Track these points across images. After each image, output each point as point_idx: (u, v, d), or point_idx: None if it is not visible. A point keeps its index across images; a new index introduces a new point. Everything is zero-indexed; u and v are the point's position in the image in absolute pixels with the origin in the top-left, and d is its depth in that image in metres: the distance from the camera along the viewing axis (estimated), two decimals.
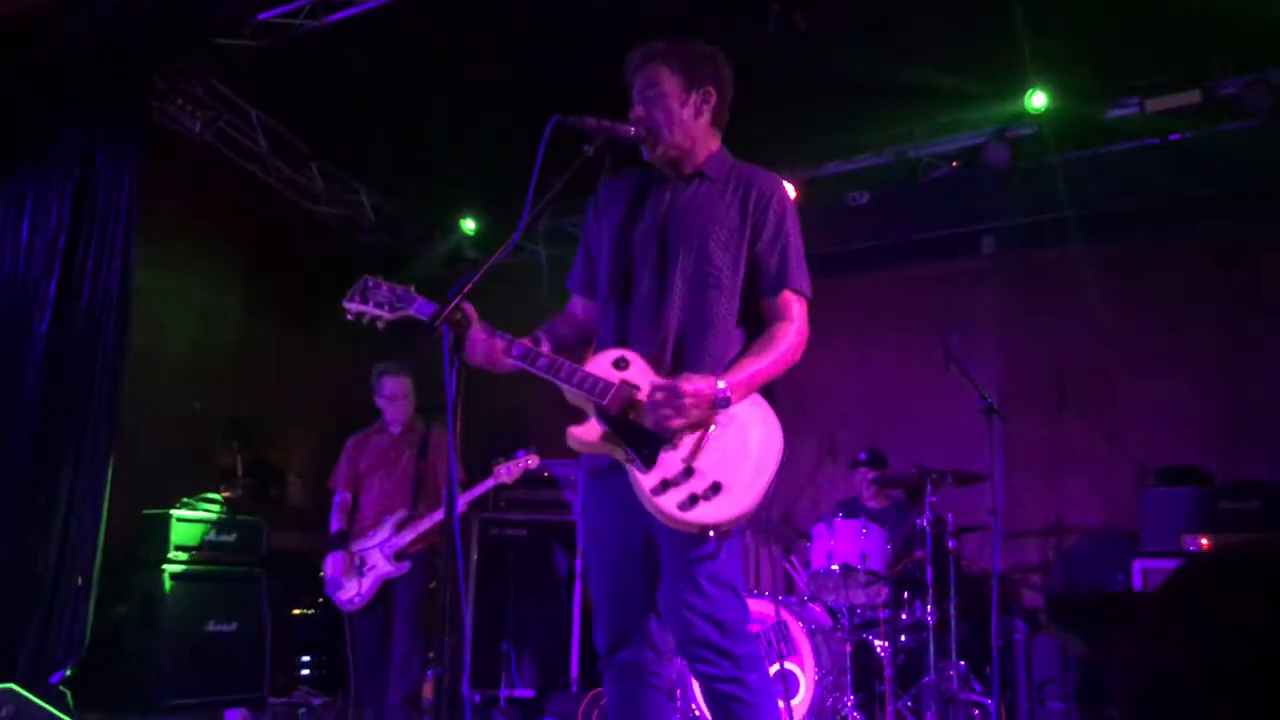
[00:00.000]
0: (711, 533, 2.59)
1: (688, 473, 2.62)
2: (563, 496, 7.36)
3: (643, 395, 2.68)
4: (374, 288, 2.88)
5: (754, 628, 5.51)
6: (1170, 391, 6.44)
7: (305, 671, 7.03)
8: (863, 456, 6.58)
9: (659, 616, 2.80)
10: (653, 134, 2.85)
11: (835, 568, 5.71)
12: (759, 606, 5.70)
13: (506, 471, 5.46)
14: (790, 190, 2.99)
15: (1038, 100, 6.26)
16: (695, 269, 2.79)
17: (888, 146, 6.97)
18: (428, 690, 5.49)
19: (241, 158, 7.55)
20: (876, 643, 5.68)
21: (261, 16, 6.20)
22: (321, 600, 7.21)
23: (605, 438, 2.71)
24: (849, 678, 5.55)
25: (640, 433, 2.67)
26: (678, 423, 2.61)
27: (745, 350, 2.77)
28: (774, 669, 5.54)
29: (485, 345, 2.76)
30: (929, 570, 5.55)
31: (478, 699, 6.79)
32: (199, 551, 6.46)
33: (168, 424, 6.91)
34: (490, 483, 5.50)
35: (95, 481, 6.06)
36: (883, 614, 5.75)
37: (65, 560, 5.94)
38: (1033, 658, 5.84)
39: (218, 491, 6.91)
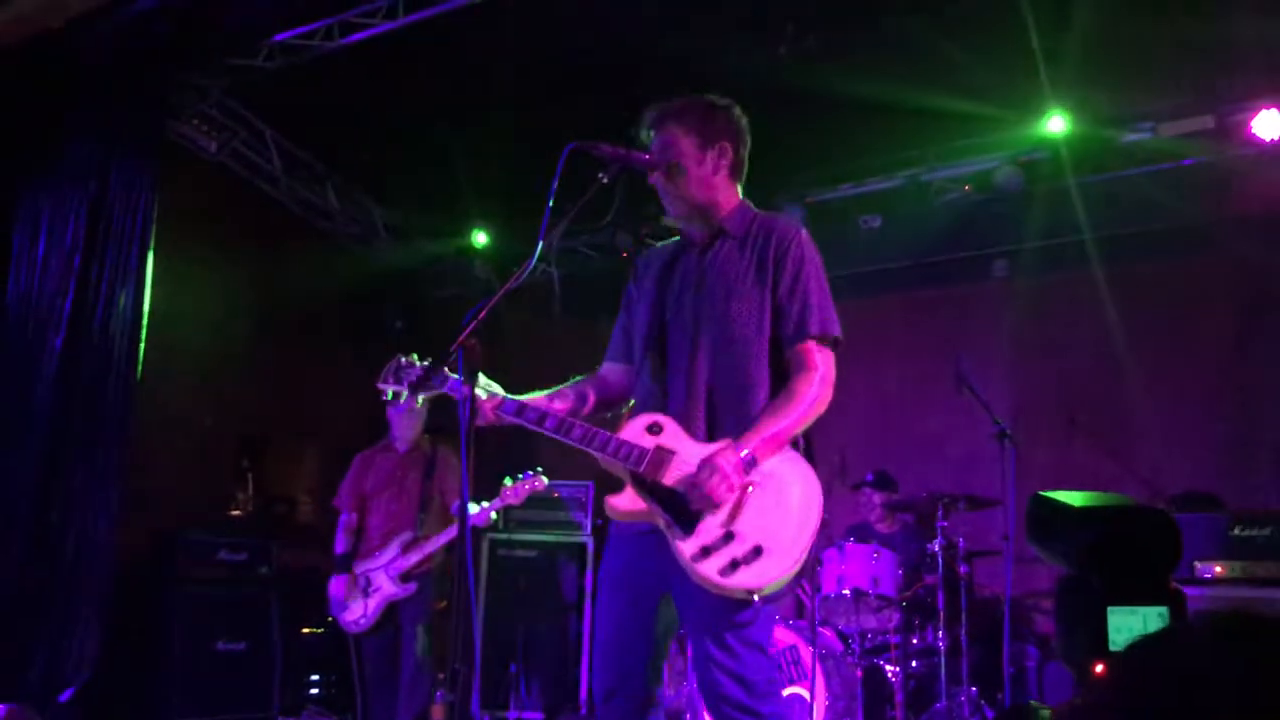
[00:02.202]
0: (756, 597, 2.55)
1: (728, 537, 2.58)
2: (572, 517, 7.35)
3: (678, 459, 2.67)
4: (406, 367, 2.97)
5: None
6: (1182, 416, 6.42)
7: (314, 691, 7.02)
8: (869, 478, 6.57)
9: (657, 669, 2.80)
10: (672, 178, 2.88)
11: (846, 592, 5.69)
12: None
13: (514, 493, 5.44)
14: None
15: (1055, 125, 6.27)
16: (721, 331, 2.79)
17: (900, 170, 6.98)
18: (436, 712, 5.47)
19: (256, 177, 7.60)
20: (888, 668, 5.66)
21: (278, 38, 6.24)
22: (331, 619, 7.21)
23: (645, 506, 2.69)
24: (860, 703, 5.53)
25: (678, 499, 2.64)
26: (729, 496, 2.59)
27: (768, 405, 2.73)
28: (785, 693, 5.53)
29: (502, 410, 2.88)
30: (940, 595, 5.53)
31: None
32: (209, 570, 6.46)
33: (179, 442, 6.93)
34: (497, 504, 5.48)
35: (106, 499, 6.07)
36: (894, 639, 5.73)
37: (76, 578, 5.95)
38: (1045, 684, 5.81)
39: (228, 510, 6.92)
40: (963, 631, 5.50)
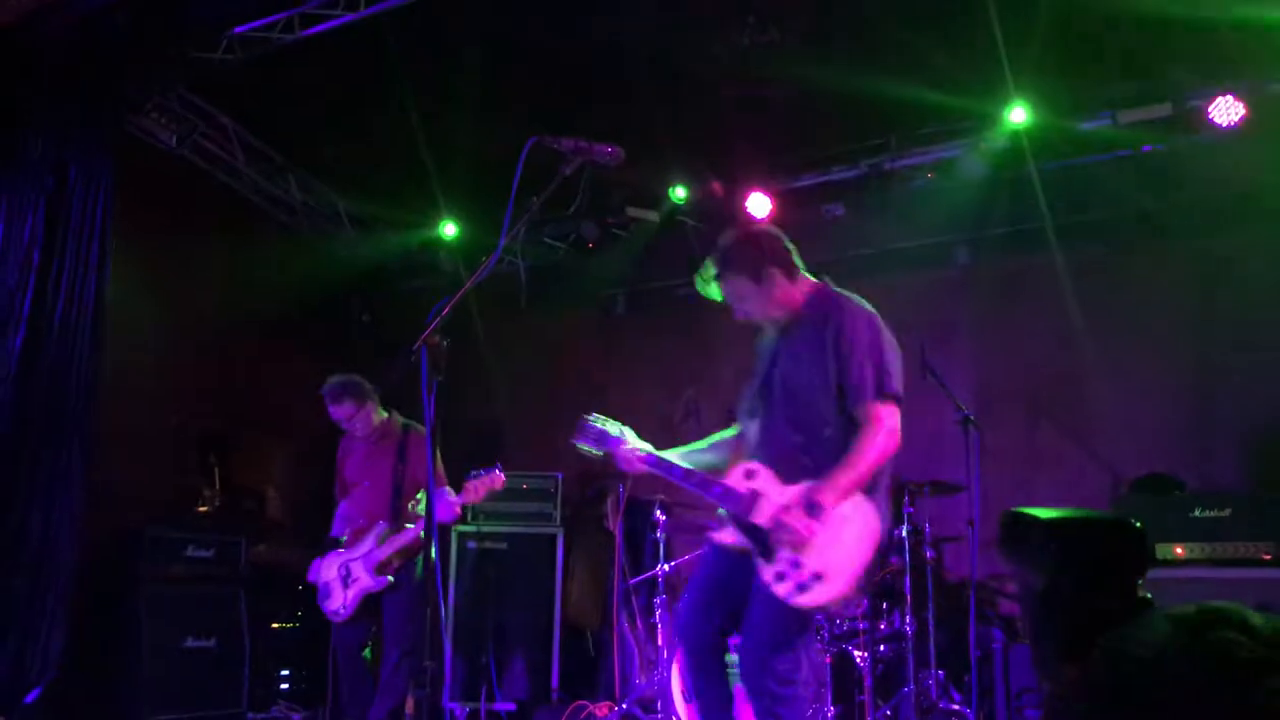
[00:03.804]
0: (818, 613, 3.37)
1: (796, 566, 3.31)
2: (541, 509, 7.35)
3: (765, 500, 3.42)
4: (590, 426, 3.88)
5: (734, 640, 5.60)
6: (1143, 399, 6.50)
7: (284, 686, 6.99)
8: None
9: (734, 623, 3.54)
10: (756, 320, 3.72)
11: None
12: None
13: (473, 489, 5.42)
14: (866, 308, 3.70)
15: (1017, 115, 6.31)
16: (795, 396, 3.53)
17: (863, 158, 7.01)
18: (410, 705, 5.47)
19: (217, 170, 7.53)
20: (856, 653, 5.70)
21: (238, 30, 6.18)
22: (301, 614, 7.18)
23: (738, 539, 3.49)
24: (829, 689, 5.57)
25: (761, 533, 3.40)
26: (791, 538, 3.29)
27: (843, 457, 3.36)
28: None
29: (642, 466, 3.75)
30: (907, 580, 5.58)
31: (459, 712, 6.78)
32: (176, 566, 6.43)
33: (144, 438, 6.86)
34: (460, 499, 5.47)
35: (71, 497, 6.01)
36: (862, 625, 5.78)
37: (40, 577, 5.89)
38: (1010, 666, 5.88)
39: (195, 505, 6.87)
40: (929, 616, 5.56)
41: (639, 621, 6.79)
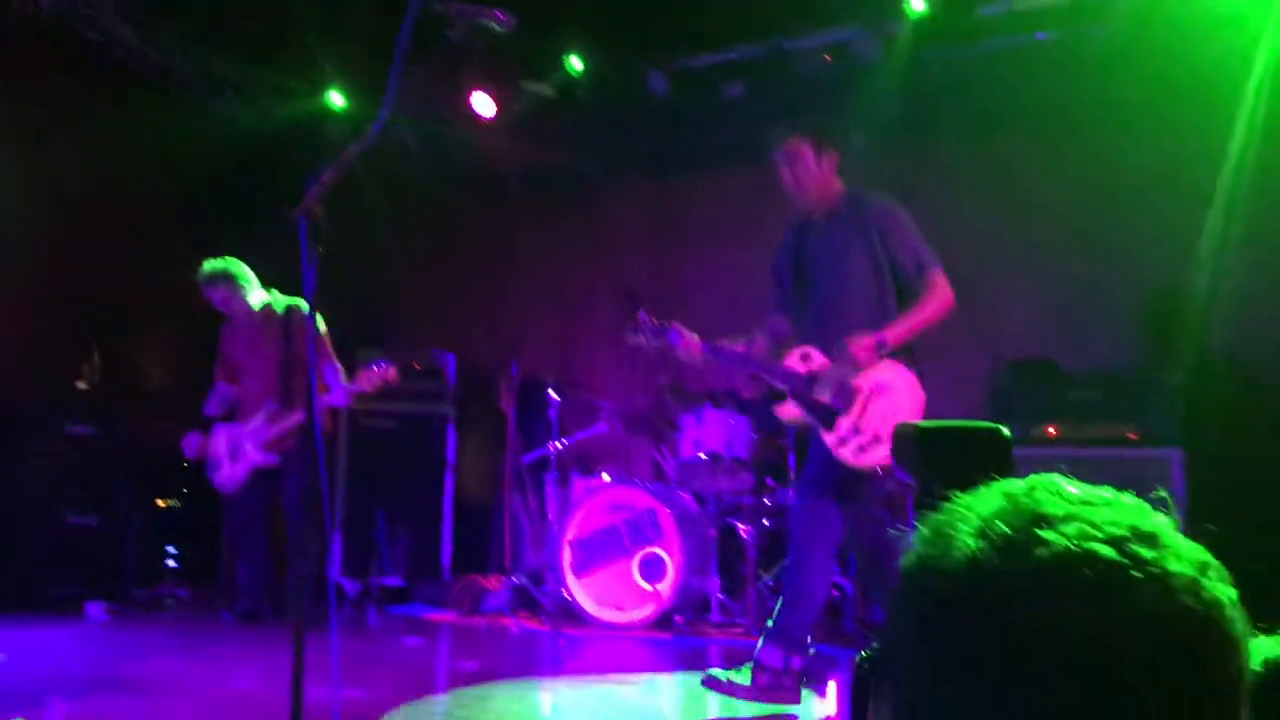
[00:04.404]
0: (879, 469, 3.75)
1: (855, 430, 3.78)
2: (432, 387, 7.30)
3: (822, 378, 3.86)
4: (644, 323, 4.19)
5: (623, 515, 5.72)
6: (1027, 284, 6.65)
7: (171, 563, 6.91)
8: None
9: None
10: (793, 190, 4.12)
11: (703, 456, 5.85)
12: (630, 495, 5.82)
13: (366, 379, 5.40)
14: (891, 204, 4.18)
15: (917, 3, 6.28)
16: (839, 282, 4.00)
17: (760, 38, 6.93)
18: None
19: (86, 29, 7.08)
20: (740, 527, 5.87)
21: None
22: (186, 491, 7.07)
23: (800, 413, 3.95)
24: (714, 560, 5.74)
25: (821, 406, 3.87)
26: (855, 368, 3.80)
27: (900, 314, 3.90)
28: (642, 554, 5.70)
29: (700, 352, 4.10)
30: (791, 456, 5.72)
31: (348, 587, 6.81)
32: (57, 444, 6.26)
33: (16, 314, 6.59)
34: (352, 387, 5.46)
35: None
36: (747, 500, 5.93)
37: None
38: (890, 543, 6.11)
39: (72, 381, 6.66)
40: None
41: (530, 498, 6.86)
